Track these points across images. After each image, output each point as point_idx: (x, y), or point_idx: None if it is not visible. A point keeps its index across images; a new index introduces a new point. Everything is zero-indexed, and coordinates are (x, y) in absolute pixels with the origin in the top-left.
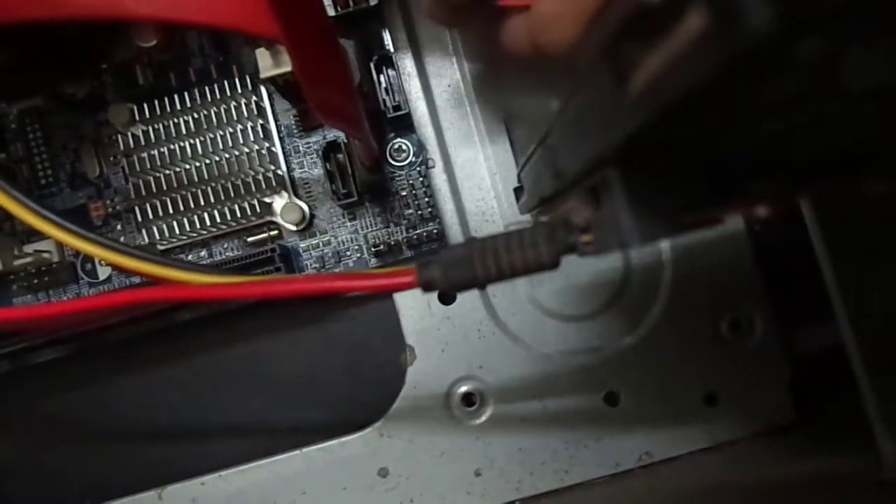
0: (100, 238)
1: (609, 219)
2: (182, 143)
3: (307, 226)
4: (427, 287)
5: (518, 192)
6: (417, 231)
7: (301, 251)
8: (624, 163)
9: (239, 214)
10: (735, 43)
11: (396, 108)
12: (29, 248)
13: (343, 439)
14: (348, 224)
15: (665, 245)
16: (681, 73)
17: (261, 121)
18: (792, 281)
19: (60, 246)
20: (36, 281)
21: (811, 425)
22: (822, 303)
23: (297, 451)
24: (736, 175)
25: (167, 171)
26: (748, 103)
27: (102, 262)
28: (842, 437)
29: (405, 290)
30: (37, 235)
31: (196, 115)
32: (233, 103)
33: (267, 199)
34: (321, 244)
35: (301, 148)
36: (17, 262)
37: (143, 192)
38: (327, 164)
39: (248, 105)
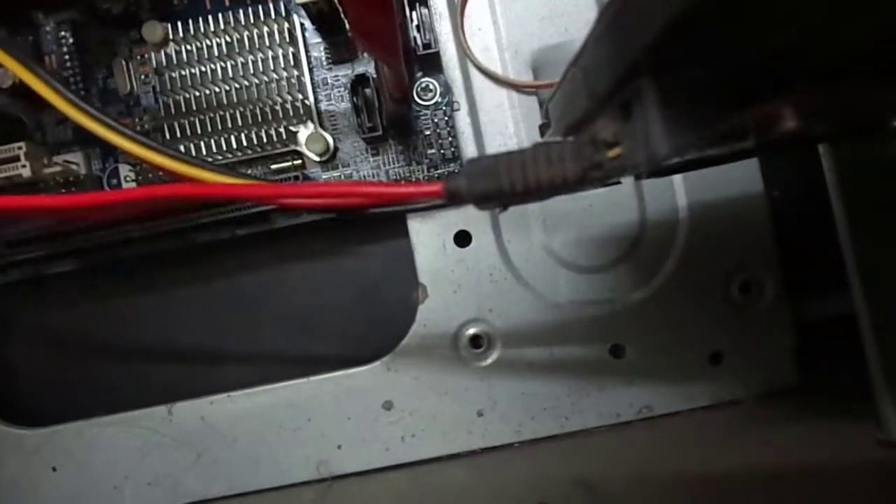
0: (137, 135)
1: (639, 129)
2: (213, 66)
3: (330, 157)
4: (453, 197)
5: (543, 128)
6: (438, 171)
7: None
8: (656, 70)
9: (265, 140)
10: None
11: (426, 46)
12: (58, 159)
13: (350, 371)
14: (371, 159)
15: (682, 203)
16: None
17: (292, 49)
18: (805, 249)
19: (88, 160)
20: (63, 191)
21: (813, 391)
22: (833, 273)
23: (305, 380)
24: (760, 79)
25: (196, 93)
26: None
27: (137, 160)
28: (843, 403)
29: (431, 198)
30: (66, 147)
31: (228, 39)
32: (265, 28)
33: (293, 128)
34: (343, 177)
35: (329, 80)
36: (47, 171)
37: (173, 112)
38: (354, 98)
39: (280, 32)
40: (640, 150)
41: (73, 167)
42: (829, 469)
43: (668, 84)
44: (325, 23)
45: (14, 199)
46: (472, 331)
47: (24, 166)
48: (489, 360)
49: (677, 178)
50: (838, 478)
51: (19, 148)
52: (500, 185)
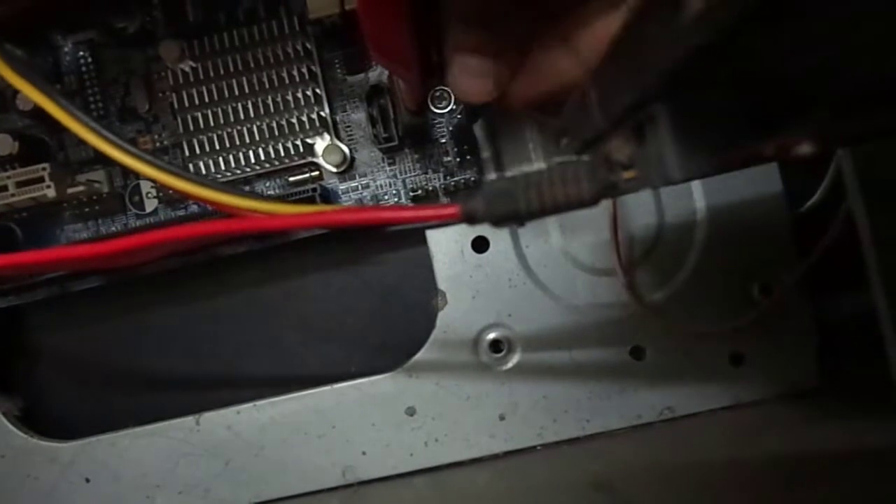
0: (159, 161)
1: (653, 154)
2: (229, 81)
3: (347, 168)
4: (470, 219)
5: (559, 133)
6: (455, 178)
7: (340, 193)
8: (671, 97)
9: (282, 154)
10: None
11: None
12: (81, 178)
13: (373, 378)
14: (387, 168)
15: (700, 205)
16: None
17: (307, 62)
18: (825, 248)
19: (110, 177)
20: (87, 210)
21: (835, 390)
22: (853, 272)
23: (329, 387)
24: (780, 109)
25: (214, 109)
26: (801, 25)
27: (160, 185)
28: (864, 402)
29: (449, 221)
30: (89, 166)
31: (244, 55)
32: (280, 44)
33: (309, 140)
34: (360, 187)
35: (345, 91)
36: (70, 191)
37: (191, 128)
38: (370, 109)
39: (294, 46)
40: (654, 173)
41: (96, 185)
42: (850, 468)
43: (683, 110)
44: (339, 36)
45: (49, 252)
46: (492, 335)
47: (48, 187)
48: (510, 365)
49: (695, 181)
50: (860, 477)
51: (43, 169)
52: (517, 207)
